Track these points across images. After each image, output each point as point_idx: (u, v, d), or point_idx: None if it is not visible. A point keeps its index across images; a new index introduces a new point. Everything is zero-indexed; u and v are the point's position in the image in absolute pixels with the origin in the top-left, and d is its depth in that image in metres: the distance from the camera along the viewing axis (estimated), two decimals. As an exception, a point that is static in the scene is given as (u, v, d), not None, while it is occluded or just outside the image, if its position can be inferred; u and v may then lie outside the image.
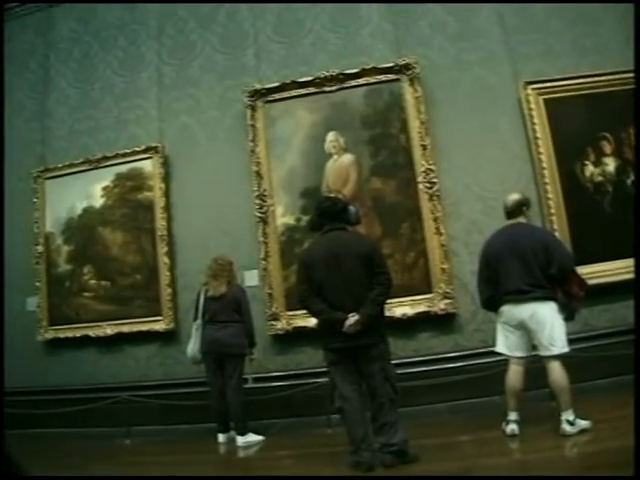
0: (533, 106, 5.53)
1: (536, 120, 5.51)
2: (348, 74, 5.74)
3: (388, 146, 5.63)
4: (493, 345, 5.14)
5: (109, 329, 5.97)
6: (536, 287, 3.93)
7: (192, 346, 5.08)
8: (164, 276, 5.89)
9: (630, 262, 5.21)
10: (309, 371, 5.22)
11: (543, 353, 3.93)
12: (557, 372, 3.84)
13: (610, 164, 5.51)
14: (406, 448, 3.59)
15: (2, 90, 6.52)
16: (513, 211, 4.25)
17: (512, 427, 3.98)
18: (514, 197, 4.30)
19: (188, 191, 6.05)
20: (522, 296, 3.94)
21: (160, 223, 5.96)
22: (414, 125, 5.56)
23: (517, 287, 3.95)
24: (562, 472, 3.30)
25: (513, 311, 4.00)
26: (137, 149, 6.16)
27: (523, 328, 3.99)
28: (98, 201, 6.24)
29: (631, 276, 5.18)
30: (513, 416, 4.03)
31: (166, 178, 6.09)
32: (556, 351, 3.87)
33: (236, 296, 5.00)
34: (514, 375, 4.06)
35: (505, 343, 4.14)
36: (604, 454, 3.37)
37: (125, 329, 5.93)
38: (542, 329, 3.89)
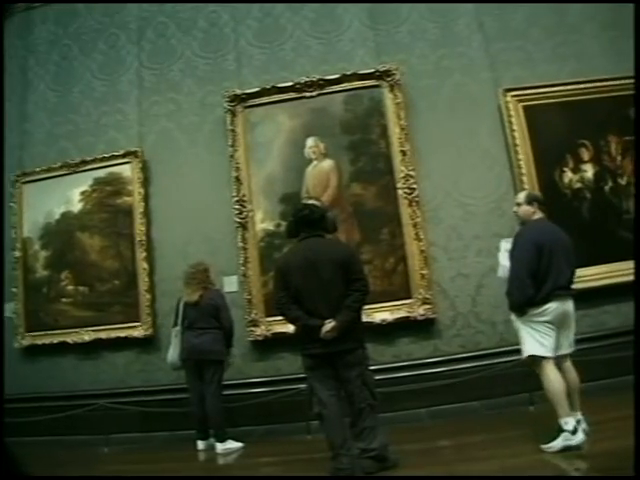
0: (512, 113, 5.59)
1: (515, 127, 5.56)
2: (328, 80, 5.75)
3: (368, 152, 5.65)
4: (472, 350, 5.25)
5: (87, 335, 5.89)
6: (572, 283, 3.90)
7: (172, 352, 5.05)
8: (143, 282, 5.83)
9: (608, 268, 5.32)
10: (288, 377, 5.18)
11: (566, 351, 3.83)
12: (574, 370, 3.81)
13: (588, 171, 5.58)
14: (386, 453, 3.59)
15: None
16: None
17: (584, 427, 3.63)
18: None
19: (167, 196, 6.02)
20: (569, 291, 3.84)
21: (139, 228, 5.92)
22: (394, 131, 5.58)
23: (567, 281, 3.82)
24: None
25: (561, 307, 3.76)
26: (116, 154, 6.11)
27: (560, 325, 3.80)
28: (76, 206, 6.18)
29: (609, 281, 5.28)
30: (579, 416, 3.66)
31: (145, 183, 6.05)
32: (573, 348, 3.87)
33: (213, 302, 4.96)
34: (558, 374, 3.71)
35: (545, 344, 3.73)
36: (592, 458, 3.41)
37: (103, 335, 5.87)
38: (573, 326, 3.87)
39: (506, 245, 4.01)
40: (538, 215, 4.02)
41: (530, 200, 4.06)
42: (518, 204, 4.11)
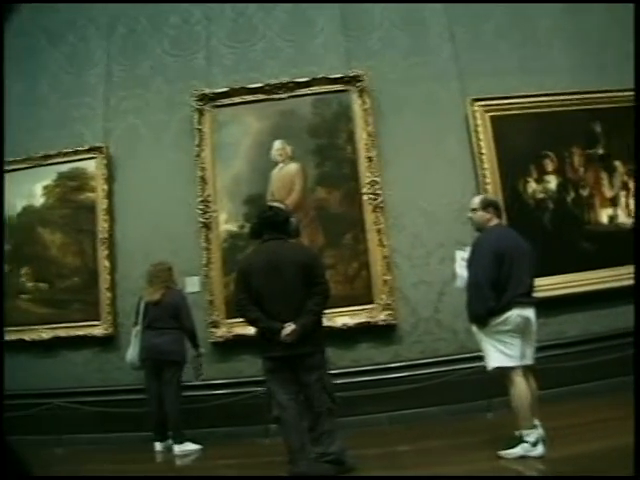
0: (479, 122, 5.66)
1: (482, 136, 5.64)
2: (298, 82, 5.75)
3: (334, 156, 5.67)
4: (433, 356, 5.29)
5: (45, 333, 5.77)
6: (533, 290, 3.77)
7: (131, 352, 5.00)
8: (104, 280, 5.75)
9: (568, 277, 5.42)
10: (249, 379, 5.14)
11: (529, 362, 3.70)
12: (533, 379, 3.71)
13: (552, 182, 5.69)
14: (343, 457, 3.58)
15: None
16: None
17: (540, 432, 3.57)
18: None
19: (132, 194, 5.94)
20: (531, 299, 3.71)
21: (102, 225, 5.83)
22: (361, 136, 5.61)
23: (526, 290, 3.67)
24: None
25: (523, 315, 3.61)
26: (81, 148, 6.01)
27: (523, 333, 3.66)
28: (38, 200, 6.07)
29: (569, 291, 5.37)
30: (536, 422, 3.60)
31: (109, 179, 5.97)
32: (533, 360, 3.74)
33: (174, 302, 4.93)
34: (526, 386, 3.62)
35: (511, 354, 3.61)
36: (551, 464, 3.43)
37: (62, 333, 5.76)
38: (534, 336, 3.73)
39: (462, 254, 3.89)
40: (495, 221, 3.89)
41: (485, 205, 3.92)
42: (473, 210, 3.95)
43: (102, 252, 5.80)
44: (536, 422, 3.60)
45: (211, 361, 5.48)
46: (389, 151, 5.67)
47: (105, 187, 5.91)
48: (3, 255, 5.99)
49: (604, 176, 5.75)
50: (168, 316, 4.88)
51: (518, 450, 3.53)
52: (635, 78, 4.93)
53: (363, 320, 5.34)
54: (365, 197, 5.51)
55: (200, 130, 5.77)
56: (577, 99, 5.75)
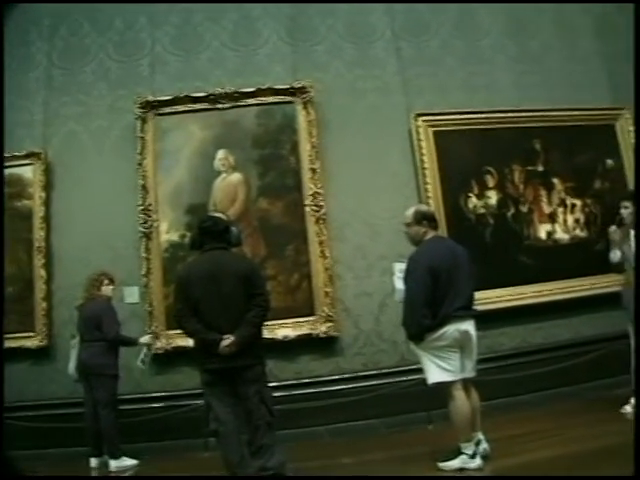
0: (422, 137, 5.75)
1: (424, 151, 5.72)
2: (243, 93, 5.72)
3: (278, 167, 5.66)
4: (374, 368, 5.33)
5: (-25, 345, 5.56)
6: (472, 302, 3.77)
7: (71, 364, 4.87)
8: (39, 289, 5.58)
9: (507, 291, 5.54)
10: (187, 392, 5.04)
11: (469, 375, 3.73)
12: (475, 391, 3.75)
13: (492, 197, 5.82)
14: (283, 471, 3.54)
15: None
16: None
17: (485, 446, 3.66)
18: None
19: (70, 201, 5.77)
20: (468, 312, 3.69)
21: (38, 233, 5.66)
22: (305, 148, 5.62)
23: (464, 303, 3.65)
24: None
25: (461, 328, 3.61)
26: (18, 154, 5.80)
27: (462, 347, 3.69)
28: (-29, 206, 5.83)
29: (508, 304, 5.49)
30: (480, 436, 3.68)
31: (47, 186, 5.78)
32: (474, 373, 3.78)
33: (94, 313, 4.79)
34: (466, 399, 3.64)
35: (449, 368, 3.62)
36: (491, 474, 3.50)
37: (-6, 345, 5.55)
38: (474, 349, 3.75)
39: (400, 266, 3.86)
40: (430, 234, 3.85)
41: (419, 219, 3.86)
42: (407, 224, 3.90)
43: (38, 261, 5.62)
44: (480, 435, 3.66)
45: (149, 373, 5.38)
46: (333, 163, 5.69)
47: (42, 194, 5.73)
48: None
49: (543, 193, 5.91)
50: (91, 327, 4.75)
51: (457, 462, 3.57)
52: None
53: (304, 332, 5.34)
54: (308, 208, 5.52)
55: (142, 138, 5.66)
56: (518, 116, 5.93)
